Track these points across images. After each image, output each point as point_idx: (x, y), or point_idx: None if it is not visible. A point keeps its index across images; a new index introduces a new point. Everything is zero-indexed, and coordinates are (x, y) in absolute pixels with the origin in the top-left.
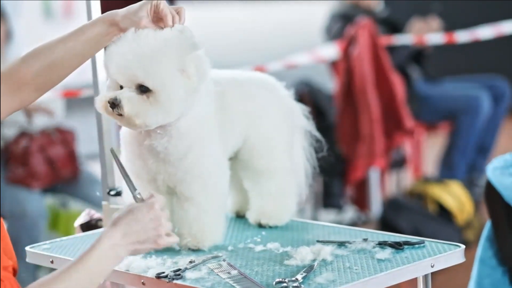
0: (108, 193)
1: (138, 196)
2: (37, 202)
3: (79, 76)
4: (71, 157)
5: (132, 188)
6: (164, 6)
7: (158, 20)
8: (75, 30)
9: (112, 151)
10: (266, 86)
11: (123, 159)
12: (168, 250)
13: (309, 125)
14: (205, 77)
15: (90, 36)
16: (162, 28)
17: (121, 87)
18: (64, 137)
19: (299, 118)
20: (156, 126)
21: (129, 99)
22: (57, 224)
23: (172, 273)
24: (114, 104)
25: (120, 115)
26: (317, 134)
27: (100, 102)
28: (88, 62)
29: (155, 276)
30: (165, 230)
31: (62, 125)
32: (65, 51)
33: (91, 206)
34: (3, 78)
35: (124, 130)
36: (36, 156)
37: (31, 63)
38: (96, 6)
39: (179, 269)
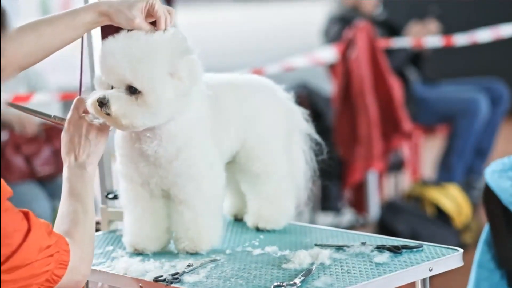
0: (106, 196)
1: (56, 118)
2: (45, 204)
3: (77, 79)
4: (55, 156)
5: (47, 116)
6: (159, 7)
7: (149, 16)
8: (65, 14)
9: (10, 104)
10: (262, 89)
11: (117, 162)
12: (166, 254)
13: (309, 128)
14: (197, 81)
15: (80, 23)
16: (153, 26)
17: (112, 88)
18: (51, 135)
19: (299, 121)
20: (143, 128)
21: (117, 99)
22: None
23: (170, 277)
24: (102, 103)
25: (108, 114)
26: (317, 137)
27: (90, 100)
28: (87, 64)
29: (153, 280)
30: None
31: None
32: (53, 36)
33: None
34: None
35: (117, 133)
36: (10, 150)
37: (19, 46)
38: None
39: (177, 273)
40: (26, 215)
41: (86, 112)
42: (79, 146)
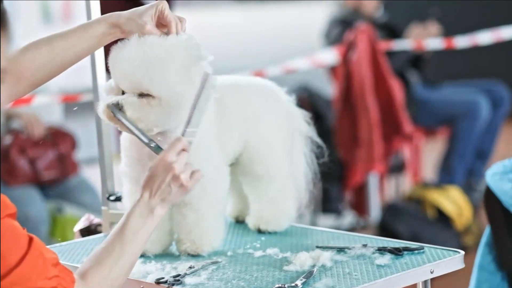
0: (108, 198)
1: (153, 145)
2: (39, 207)
3: (78, 81)
4: (60, 161)
5: (147, 140)
6: (168, 12)
7: (161, 25)
8: (78, 27)
9: (109, 106)
10: (265, 91)
11: (122, 164)
12: (168, 256)
13: (310, 131)
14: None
15: (92, 35)
16: (166, 34)
17: (123, 92)
18: (57, 140)
19: (300, 124)
20: (156, 131)
21: (132, 105)
22: (54, 230)
23: (172, 279)
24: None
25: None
26: (318, 140)
27: (102, 107)
28: (88, 66)
29: (155, 282)
30: (183, 172)
31: (62, 128)
32: (66, 49)
33: (86, 211)
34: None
35: (125, 135)
36: (15, 154)
37: (32, 58)
38: (95, 8)
39: (179, 275)
40: (30, 240)
41: (184, 150)
42: (158, 188)
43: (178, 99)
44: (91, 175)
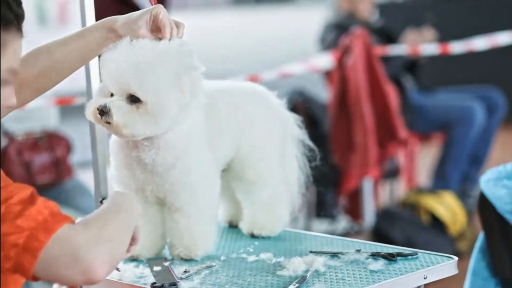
0: (101, 201)
1: None
2: None
3: (72, 84)
4: (55, 165)
5: None
6: (163, 16)
7: (156, 29)
8: (76, 33)
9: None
10: (256, 96)
11: (112, 167)
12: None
13: (302, 135)
14: (198, 93)
15: (90, 40)
16: (159, 38)
17: (112, 95)
18: (53, 144)
19: (292, 128)
20: (143, 137)
21: (119, 108)
22: None
23: (167, 283)
24: (103, 112)
25: (108, 123)
26: (310, 144)
27: (90, 108)
28: (82, 69)
29: (150, 286)
30: None
31: (57, 132)
32: (66, 54)
33: (81, 215)
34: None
35: (113, 139)
36: (11, 158)
37: (32, 65)
38: (90, 10)
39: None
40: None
41: None
42: None
43: (164, 104)
44: (86, 178)
